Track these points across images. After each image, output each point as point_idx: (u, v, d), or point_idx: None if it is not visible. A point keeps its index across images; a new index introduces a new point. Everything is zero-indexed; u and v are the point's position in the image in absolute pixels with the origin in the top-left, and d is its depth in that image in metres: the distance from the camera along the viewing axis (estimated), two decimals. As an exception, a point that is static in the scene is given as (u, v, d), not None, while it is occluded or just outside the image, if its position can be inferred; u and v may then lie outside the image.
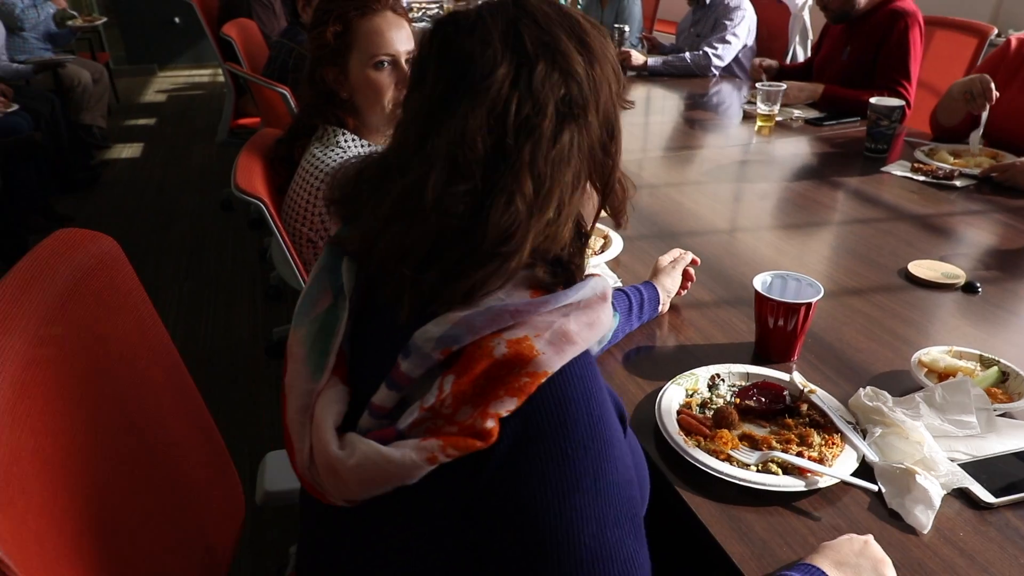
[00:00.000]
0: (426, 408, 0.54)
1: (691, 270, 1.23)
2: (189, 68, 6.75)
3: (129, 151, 4.63)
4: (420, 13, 4.91)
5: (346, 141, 1.40)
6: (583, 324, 0.57)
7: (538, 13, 0.60)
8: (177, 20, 6.39)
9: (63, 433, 0.62)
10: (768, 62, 2.71)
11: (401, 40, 1.37)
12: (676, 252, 1.23)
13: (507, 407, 0.53)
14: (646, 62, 3.06)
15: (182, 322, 2.69)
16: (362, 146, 1.42)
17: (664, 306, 1.17)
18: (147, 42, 6.47)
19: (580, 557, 0.55)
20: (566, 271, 0.61)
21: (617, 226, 0.69)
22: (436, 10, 5.03)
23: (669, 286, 1.17)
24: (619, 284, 1.25)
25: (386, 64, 1.36)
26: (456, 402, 0.54)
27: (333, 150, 1.38)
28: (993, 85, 1.81)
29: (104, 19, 5.18)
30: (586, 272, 0.64)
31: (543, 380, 0.54)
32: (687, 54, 3.06)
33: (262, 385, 2.31)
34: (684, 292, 1.22)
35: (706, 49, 3.03)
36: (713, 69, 3.04)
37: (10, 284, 0.64)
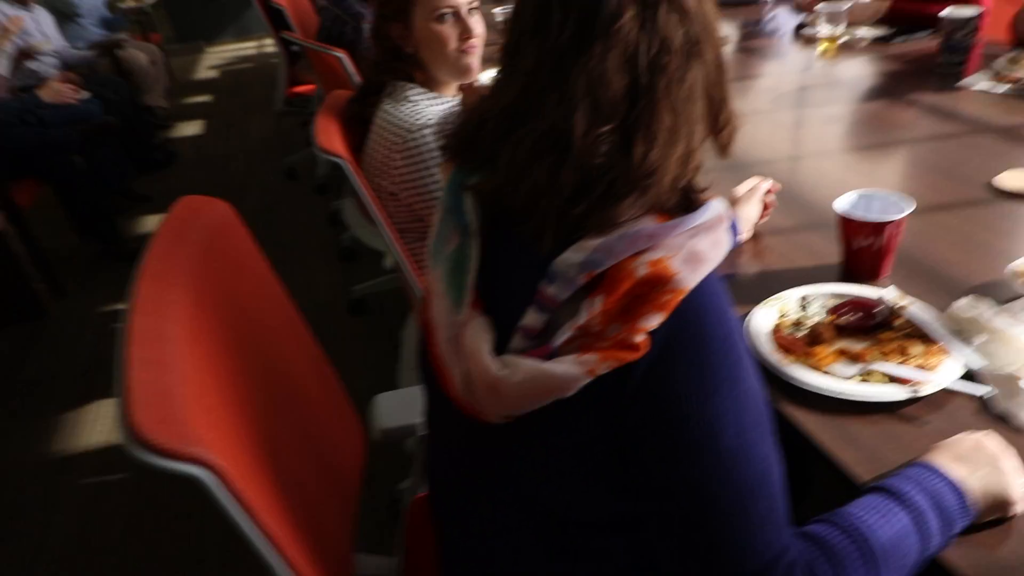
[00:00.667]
0: (578, 327, 0.59)
1: (771, 196, 1.23)
2: (235, 42, 6.85)
3: (191, 128, 4.79)
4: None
5: (415, 95, 1.43)
6: (710, 244, 0.61)
7: None
8: (220, -6, 6.48)
9: (229, 373, 0.69)
10: None
11: (462, -10, 1.38)
12: (753, 180, 1.23)
13: (654, 322, 0.57)
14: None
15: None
16: (431, 99, 1.45)
17: (746, 234, 1.18)
18: (193, 19, 6.58)
19: (721, 457, 0.59)
20: (685, 197, 0.66)
21: (724, 157, 0.71)
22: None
23: (748, 214, 1.18)
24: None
25: (448, 16, 1.38)
26: (605, 319, 0.58)
27: (404, 105, 1.42)
28: None
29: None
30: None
31: (683, 296, 0.58)
32: (739, -23, 2.94)
33: (348, 341, 2.43)
34: (765, 219, 1.23)
35: (760, -28, 2.91)
36: (768, -8, 2.92)
37: (160, 247, 0.71)
